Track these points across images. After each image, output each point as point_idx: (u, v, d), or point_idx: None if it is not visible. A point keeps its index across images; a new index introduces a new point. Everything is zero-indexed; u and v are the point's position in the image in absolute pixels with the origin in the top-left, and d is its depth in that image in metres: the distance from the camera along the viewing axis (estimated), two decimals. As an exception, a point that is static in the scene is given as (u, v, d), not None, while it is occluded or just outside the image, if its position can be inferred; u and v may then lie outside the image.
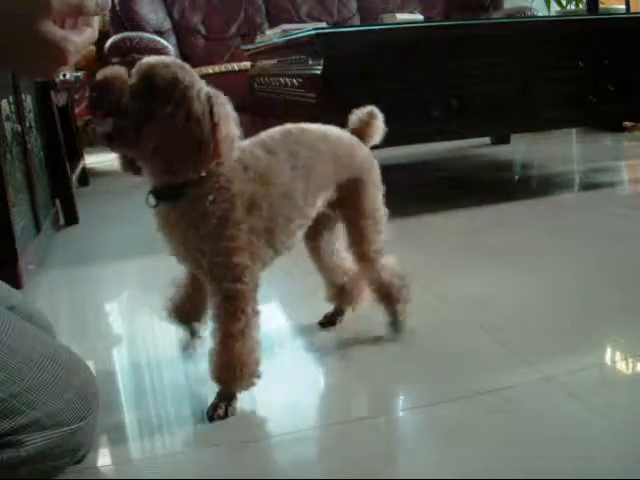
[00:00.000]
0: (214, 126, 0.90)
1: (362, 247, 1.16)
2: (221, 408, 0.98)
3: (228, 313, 0.97)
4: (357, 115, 1.22)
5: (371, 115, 1.21)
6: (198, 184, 0.94)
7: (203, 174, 0.93)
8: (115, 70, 0.89)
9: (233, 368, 0.97)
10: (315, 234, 1.22)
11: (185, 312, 1.19)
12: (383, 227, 1.18)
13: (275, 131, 1.10)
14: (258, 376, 1.00)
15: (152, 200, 0.96)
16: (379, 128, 1.23)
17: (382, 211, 1.18)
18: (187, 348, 1.22)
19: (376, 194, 1.18)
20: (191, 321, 1.20)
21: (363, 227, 1.15)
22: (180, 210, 0.95)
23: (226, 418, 0.97)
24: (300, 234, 1.10)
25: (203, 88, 0.93)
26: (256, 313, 1.00)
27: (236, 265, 0.96)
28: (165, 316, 1.20)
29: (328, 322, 1.29)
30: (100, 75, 0.89)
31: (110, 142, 0.90)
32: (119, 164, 0.99)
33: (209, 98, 0.92)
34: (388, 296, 1.20)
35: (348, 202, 1.15)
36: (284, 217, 1.03)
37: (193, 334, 1.21)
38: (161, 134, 0.89)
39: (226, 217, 0.95)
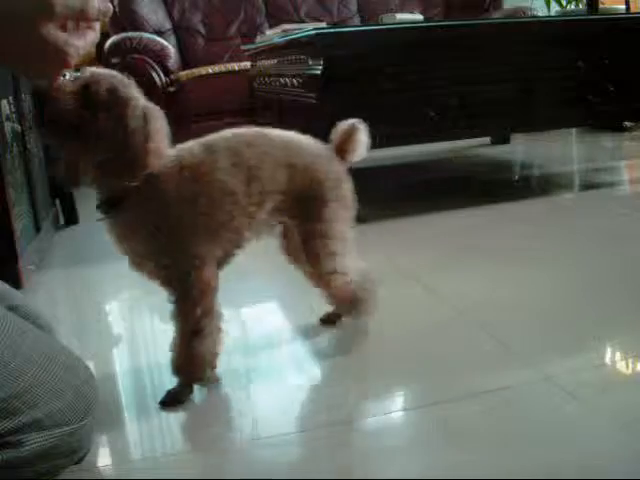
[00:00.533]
0: (146, 140, 0.94)
1: (314, 266, 1.13)
2: (175, 395, 1.04)
3: (182, 313, 1.01)
4: (339, 128, 1.19)
5: (353, 128, 1.18)
6: (135, 192, 0.97)
7: (136, 183, 0.96)
8: (59, 82, 0.91)
9: (188, 360, 1.03)
10: (288, 242, 1.21)
11: None
12: (342, 249, 1.12)
13: (229, 131, 1.09)
14: (213, 369, 1.08)
15: (99, 214, 1.01)
16: (361, 142, 1.19)
17: (346, 233, 1.13)
18: None
19: (338, 214, 1.12)
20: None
21: (315, 246, 1.11)
22: (122, 220, 0.99)
23: (177, 407, 1.02)
24: (250, 234, 1.08)
25: (140, 103, 0.96)
26: (210, 311, 1.03)
27: (182, 265, 1.00)
28: None
29: (328, 320, 1.29)
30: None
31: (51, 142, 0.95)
32: (62, 179, 1.02)
33: (145, 113, 0.95)
34: (348, 309, 1.21)
35: (303, 217, 1.11)
36: (226, 213, 1.02)
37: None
38: (96, 142, 0.92)
39: (165, 220, 0.98)
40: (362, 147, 1.19)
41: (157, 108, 0.98)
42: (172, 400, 1.04)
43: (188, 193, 0.99)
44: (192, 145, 1.04)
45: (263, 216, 1.08)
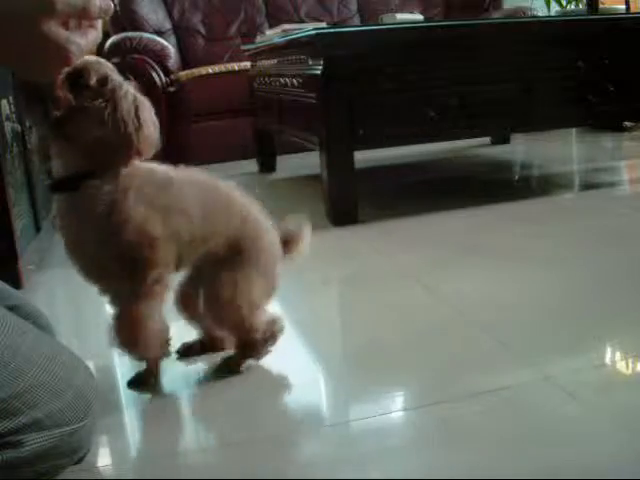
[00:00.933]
0: (138, 126, 0.94)
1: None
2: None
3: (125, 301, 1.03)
4: (287, 223, 1.16)
5: (299, 231, 1.16)
6: (100, 177, 0.95)
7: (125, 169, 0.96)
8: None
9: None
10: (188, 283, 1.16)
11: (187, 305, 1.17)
12: (237, 322, 1.08)
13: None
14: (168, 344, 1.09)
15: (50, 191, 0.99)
16: (301, 247, 1.16)
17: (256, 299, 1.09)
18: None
19: (242, 284, 1.07)
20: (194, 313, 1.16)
21: (210, 311, 1.09)
22: (79, 199, 0.96)
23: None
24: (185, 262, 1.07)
25: (130, 90, 0.96)
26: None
27: (136, 261, 0.99)
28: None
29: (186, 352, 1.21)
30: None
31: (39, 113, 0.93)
32: (35, 149, 1.02)
33: (135, 100, 0.95)
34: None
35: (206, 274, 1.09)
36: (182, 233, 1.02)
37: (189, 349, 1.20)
38: (88, 126, 0.92)
39: (127, 212, 0.96)
40: (301, 251, 1.17)
41: (146, 99, 0.98)
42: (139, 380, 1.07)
43: (152, 199, 0.98)
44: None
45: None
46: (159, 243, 0.99)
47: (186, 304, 1.16)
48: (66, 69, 0.87)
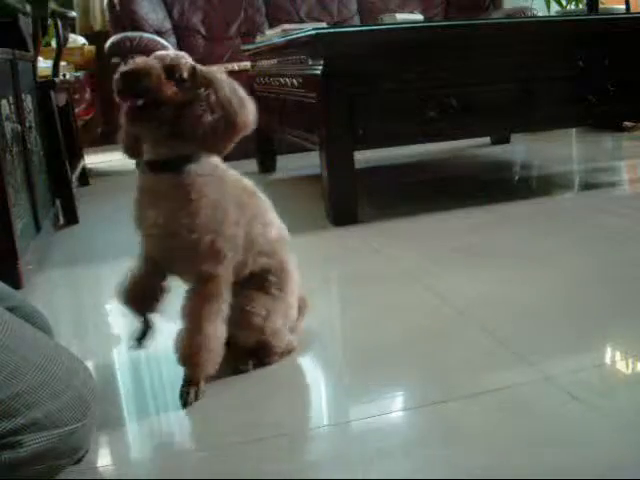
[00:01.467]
0: (242, 104, 0.99)
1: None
2: (191, 393, 1.02)
3: (202, 296, 1.01)
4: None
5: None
6: (198, 162, 1.01)
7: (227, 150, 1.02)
8: (148, 61, 0.95)
9: (202, 351, 1.00)
10: None
11: (136, 299, 1.14)
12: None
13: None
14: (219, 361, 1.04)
15: (146, 170, 1.01)
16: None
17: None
18: (137, 343, 1.15)
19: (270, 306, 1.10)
20: (142, 309, 1.14)
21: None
22: (176, 182, 0.99)
23: (196, 401, 1.02)
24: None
25: (219, 74, 1.00)
26: (226, 303, 1.03)
27: (219, 250, 1.00)
28: (116, 299, 1.14)
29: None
30: (134, 64, 0.94)
31: (139, 116, 0.95)
32: (123, 145, 1.04)
33: (229, 82, 1.00)
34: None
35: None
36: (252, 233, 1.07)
37: (146, 325, 1.15)
38: (200, 114, 0.96)
39: (219, 201, 1.01)
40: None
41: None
42: (193, 397, 1.03)
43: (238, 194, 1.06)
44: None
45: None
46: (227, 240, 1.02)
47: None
48: (153, 67, 0.92)
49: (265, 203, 1.14)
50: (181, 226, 0.98)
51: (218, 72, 1.01)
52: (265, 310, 1.09)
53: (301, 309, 1.20)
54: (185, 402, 1.01)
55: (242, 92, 1.01)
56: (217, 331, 1.02)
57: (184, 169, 0.99)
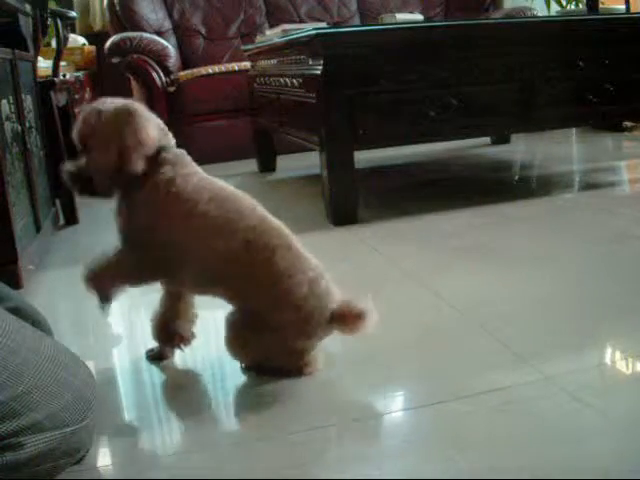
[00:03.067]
0: (122, 143, 1.03)
1: None
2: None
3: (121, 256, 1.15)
4: (346, 302, 1.08)
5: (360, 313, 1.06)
6: (140, 185, 1.07)
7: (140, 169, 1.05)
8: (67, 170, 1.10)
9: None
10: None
11: (163, 335, 1.19)
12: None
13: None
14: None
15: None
16: (359, 326, 1.06)
17: None
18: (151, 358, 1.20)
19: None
20: (171, 343, 1.19)
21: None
22: (125, 202, 1.11)
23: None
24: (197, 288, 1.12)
25: (109, 110, 1.05)
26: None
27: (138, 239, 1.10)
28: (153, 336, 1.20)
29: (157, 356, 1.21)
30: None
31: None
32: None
33: (116, 120, 1.04)
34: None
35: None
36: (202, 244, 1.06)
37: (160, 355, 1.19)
38: (90, 164, 1.07)
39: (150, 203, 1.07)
40: (357, 331, 1.07)
41: (133, 105, 1.07)
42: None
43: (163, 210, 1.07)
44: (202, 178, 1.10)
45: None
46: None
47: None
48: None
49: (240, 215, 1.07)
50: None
51: (102, 114, 1.05)
52: (245, 336, 1.07)
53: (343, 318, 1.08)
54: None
55: (136, 124, 1.04)
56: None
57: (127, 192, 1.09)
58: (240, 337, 1.07)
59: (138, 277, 1.12)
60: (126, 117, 1.04)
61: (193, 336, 1.20)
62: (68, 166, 1.09)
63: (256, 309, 1.05)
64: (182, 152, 1.11)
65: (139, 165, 1.04)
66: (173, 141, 1.11)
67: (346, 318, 1.06)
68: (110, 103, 1.06)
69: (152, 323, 1.19)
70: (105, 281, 1.14)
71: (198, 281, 1.09)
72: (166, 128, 1.12)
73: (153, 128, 1.06)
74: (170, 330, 1.17)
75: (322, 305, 1.06)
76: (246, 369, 1.13)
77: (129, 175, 1.05)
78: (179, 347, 1.19)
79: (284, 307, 1.04)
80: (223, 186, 1.10)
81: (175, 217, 1.05)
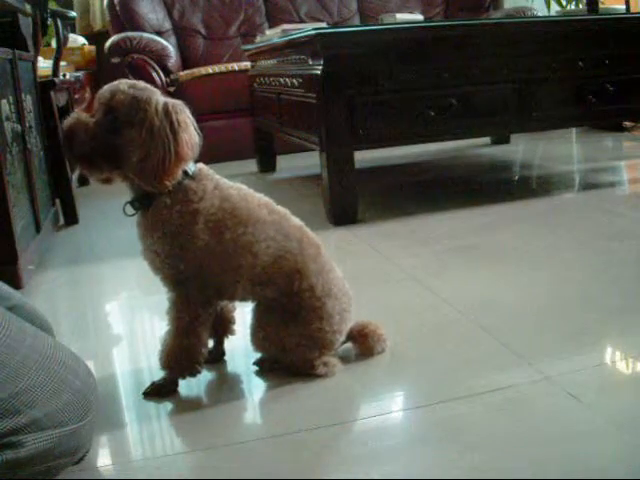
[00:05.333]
0: (176, 135, 0.98)
1: None
2: (162, 388, 1.07)
3: (175, 311, 1.06)
4: (362, 323, 1.15)
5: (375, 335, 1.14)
6: (167, 195, 1.02)
7: (172, 183, 1.01)
8: (74, 117, 1.00)
9: (175, 357, 1.05)
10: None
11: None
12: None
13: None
14: (200, 364, 1.07)
15: (129, 210, 1.06)
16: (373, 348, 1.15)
17: None
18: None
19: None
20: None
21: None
22: (149, 216, 1.04)
23: (160, 400, 1.05)
24: (242, 291, 1.08)
25: (160, 101, 1.00)
26: (203, 316, 1.06)
27: (181, 271, 1.03)
28: None
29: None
30: (64, 126, 1.00)
31: (85, 166, 1.02)
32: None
33: (167, 110, 0.99)
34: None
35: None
36: (238, 257, 1.04)
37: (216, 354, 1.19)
38: (129, 154, 0.99)
39: (183, 227, 1.02)
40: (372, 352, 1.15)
41: (178, 102, 1.03)
42: (155, 392, 1.07)
43: (216, 215, 1.03)
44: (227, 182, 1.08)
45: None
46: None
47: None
48: (96, 113, 0.99)
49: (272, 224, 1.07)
50: (153, 253, 1.05)
51: (153, 99, 0.99)
52: (269, 328, 1.08)
53: (362, 338, 1.14)
54: (146, 393, 1.07)
55: (179, 115, 1.00)
56: (189, 341, 1.06)
57: (152, 205, 1.03)
58: (268, 329, 1.08)
59: (200, 316, 1.06)
60: (181, 120, 1.00)
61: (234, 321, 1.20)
62: (81, 116, 1.00)
63: (295, 301, 1.07)
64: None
65: (176, 176, 1.01)
66: None
67: (366, 336, 1.14)
68: (160, 94, 1.01)
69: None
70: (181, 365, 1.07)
71: (255, 287, 1.07)
72: None
73: (195, 135, 1.03)
74: (216, 322, 1.16)
75: (350, 305, 1.13)
76: (258, 365, 1.13)
77: (151, 178, 0.99)
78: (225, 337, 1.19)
79: (327, 298, 1.08)
80: (251, 191, 1.11)
81: (224, 230, 1.03)
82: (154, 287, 1.14)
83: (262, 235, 1.05)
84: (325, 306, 1.08)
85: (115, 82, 1.01)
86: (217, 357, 1.18)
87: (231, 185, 1.08)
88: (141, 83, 1.02)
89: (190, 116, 1.03)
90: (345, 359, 1.15)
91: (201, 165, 1.07)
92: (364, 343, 1.14)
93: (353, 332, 1.15)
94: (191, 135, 1.01)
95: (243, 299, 1.12)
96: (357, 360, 1.15)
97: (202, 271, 1.04)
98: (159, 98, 1.00)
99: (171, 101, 1.01)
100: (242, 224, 1.04)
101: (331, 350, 1.11)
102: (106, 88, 1.01)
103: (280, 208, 1.11)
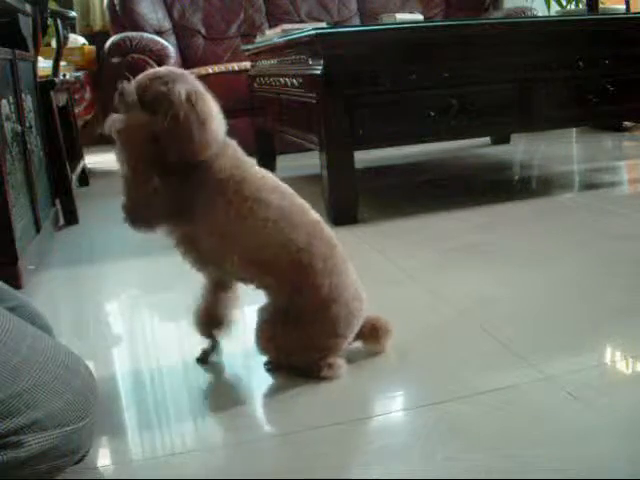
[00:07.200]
0: (201, 122, 1.00)
1: None
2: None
3: None
4: (371, 319, 1.14)
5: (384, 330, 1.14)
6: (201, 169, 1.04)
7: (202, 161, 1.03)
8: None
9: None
10: None
11: (205, 323, 1.18)
12: None
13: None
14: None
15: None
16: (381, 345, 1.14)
17: None
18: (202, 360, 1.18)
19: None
20: (211, 330, 1.18)
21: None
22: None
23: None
24: (232, 266, 1.07)
25: (182, 92, 1.00)
26: None
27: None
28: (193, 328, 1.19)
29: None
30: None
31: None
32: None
33: (189, 99, 1.00)
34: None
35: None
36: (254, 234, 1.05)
37: (213, 347, 1.19)
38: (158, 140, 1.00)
39: (214, 200, 1.04)
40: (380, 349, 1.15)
41: (201, 88, 1.04)
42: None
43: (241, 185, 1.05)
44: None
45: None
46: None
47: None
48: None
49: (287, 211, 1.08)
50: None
51: (182, 93, 1.00)
52: (273, 330, 1.07)
53: (372, 333, 1.14)
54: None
55: (208, 106, 1.03)
56: None
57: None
58: (272, 330, 1.07)
59: None
60: (199, 116, 1.01)
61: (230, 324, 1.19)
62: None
63: (298, 302, 1.06)
64: (233, 142, 1.12)
65: (206, 155, 1.03)
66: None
67: (377, 334, 1.13)
68: (182, 82, 1.02)
69: (195, 315, 1.17)
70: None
71: (249, 267, 1.07)
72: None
73: (222, 125, 1.07)
74: (214, 322, 1.16)
75: (362, 309, 1.11)
76: (267, 366, 1.13)
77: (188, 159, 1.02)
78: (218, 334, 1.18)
79: (332, 303, 1.06)
80: (277, 179, 1.13)
81: (236, 200, 1.04)
82: (154, 287, 1.14)
83: (261, 214, 1.04)
84: (329, 310, 1.06)
85: (141, 76, 1.03)
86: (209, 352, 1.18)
87: (254, 164, 1.11)
88: (167, 70, 1.04)
89: (214, 103, 1.05)
90: (344, 359, 1.15)
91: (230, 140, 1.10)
92: (374, 339, 1.14)
93: (363, 330, 1.13)
94: (214, 123, 1.04)
95: (242, 279, 1.11)
96: (357, 359, 1.15)
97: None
98: (181, 88, 1.00)
99: (194, 89, 1.02)
100: (244, 196, 1.04)
101: (335, 353, 1.09)
102: (136, 80, 1.03)
103: (299, 200, 1.11)
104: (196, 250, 1.08)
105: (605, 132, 3.57)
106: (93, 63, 4.20)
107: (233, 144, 1.10)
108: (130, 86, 1.02)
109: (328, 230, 1.11)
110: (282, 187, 1.11)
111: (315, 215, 1.11)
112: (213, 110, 1.04)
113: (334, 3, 4.15)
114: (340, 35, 2.04)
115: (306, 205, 1.11)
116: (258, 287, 1.10)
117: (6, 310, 0.85)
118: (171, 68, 1.07)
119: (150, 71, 1.04)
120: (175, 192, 1.04)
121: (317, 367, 1.07)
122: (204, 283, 1.16)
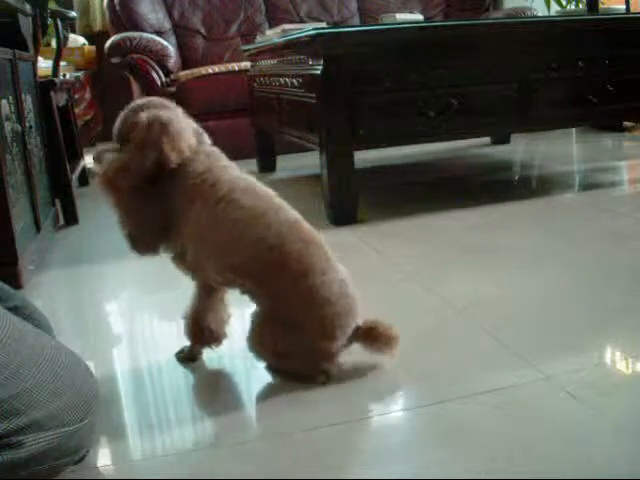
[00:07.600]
0: (165, 133, 1.05)
1: None
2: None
3: None
4: (371, 322, 1.10)
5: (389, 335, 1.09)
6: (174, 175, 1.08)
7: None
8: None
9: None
10: None
11: (194, 333, 1.17)
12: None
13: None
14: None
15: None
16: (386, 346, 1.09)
17: None
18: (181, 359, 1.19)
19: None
20: (201, 342, 1.17)
21: None
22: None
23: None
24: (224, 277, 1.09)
25: (144, 116, 1.06)
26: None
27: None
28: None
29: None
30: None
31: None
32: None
33: (150, 125, 1.05)
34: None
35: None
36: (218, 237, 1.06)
37: (191, 356, 1.18)
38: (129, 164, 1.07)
39: (190, 205, 1.07)
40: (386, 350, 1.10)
41: (169, 108, 1.11)
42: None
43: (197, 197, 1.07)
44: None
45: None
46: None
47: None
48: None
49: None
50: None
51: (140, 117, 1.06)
52: (264, 334, 1.07)
53: (376, 339, 1.09)
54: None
55: (171, 123, 1.07)
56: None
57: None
58: (262, 334, 1.07)
59: None
60: (160, 129, 1.05)
61: (225, 336, 1.18)
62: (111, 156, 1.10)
63: (282, 305, 1.05)
64: (216, 149, 1.14)
65: (176, 161, 1.07)
66: (208, 140, 1.15)
67: (376, 337, 1.09)
68: (146, 109, 1.08)
69: (185, 321, 1.17)
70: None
71: (225, 272, 1.06)
72: (200, 129, 1.16)
73: (189, 136, 1.09)
74: (203, 328, 1.15)
75: (352, 308, 1.07)
76: (268, 368, 1.13)
77: (164, 170, 1.06)
78: (210, 346, 1.17)
79: (314, 303, 1.04)
80: (256, 181, 1.12)
81: (209, 203, 1.05)
82: (154, 287, 1.14)
83: (232, 215, 1.05)
84: (313, 311, 1.04)
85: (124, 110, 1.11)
86: (192, 356, 1.18)
87: (232, 167, 1.12)
88: (142, 101, 1.11)
89: (180, 124, 1.09)
90: (344, 359, 1.15)
91: (213, 148, 1.14)
92: (373, 345, 1.09)
93: (359, 332, 1.09)
94: (185, 133, 1.08)
95: (226, 285, 1.12)
96: (356, 359, 1.15)
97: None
98: (144, 116, 1.06)
99: (156, 115, 1.06)
100: (217, 198, 1.06)
101: (329, 357, 1.07)
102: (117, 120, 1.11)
103: (277, 200, 1.10)
104: (185, 260, 1.10)
105: (605, 132, 3.57)
106: (93, 63, 4.20)
107: (208, 149, 1.12)
108: (101, 152, 1.12)
109: (308, 229, 1.09)
110: (259, 188, 1.10)
111: (292, 214, 1.10)
112: (181, 123, 1.10)
113: (334, 3, 4.15)
114: (340, 35, 2.04)
115: (284, 205, 1.10)
116: (243, 293, 1.10)
117: (6, 310, 0.85)
118: (152, 98, 1.13)
119: (131, 104, 1.12)
120: (160, 207, 1.08)
121: (312, 373, 1.07)
122: (195, 290, 1.16)
